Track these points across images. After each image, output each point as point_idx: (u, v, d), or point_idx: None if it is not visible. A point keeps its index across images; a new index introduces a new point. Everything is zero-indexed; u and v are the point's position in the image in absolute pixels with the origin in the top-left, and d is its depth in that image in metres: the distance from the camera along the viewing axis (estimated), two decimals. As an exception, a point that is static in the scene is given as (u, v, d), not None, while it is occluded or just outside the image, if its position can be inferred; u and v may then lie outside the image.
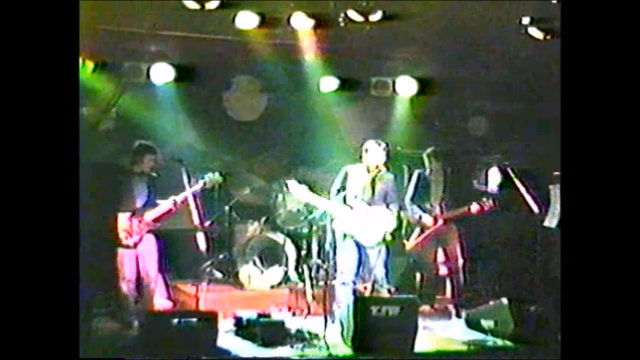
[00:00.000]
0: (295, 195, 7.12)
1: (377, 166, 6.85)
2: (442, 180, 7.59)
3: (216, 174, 6.95)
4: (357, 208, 6.75)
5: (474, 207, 7.38)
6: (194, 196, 6.77)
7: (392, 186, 6.95)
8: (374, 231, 6.73)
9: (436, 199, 7.54)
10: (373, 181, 6.83)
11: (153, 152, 6.76)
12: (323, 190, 7.34)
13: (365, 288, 6.81)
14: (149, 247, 6.65)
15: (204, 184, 6.89)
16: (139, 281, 6.59)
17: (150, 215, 6.66)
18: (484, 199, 7.44)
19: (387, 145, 6.92)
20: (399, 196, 7.22)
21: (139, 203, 6.68)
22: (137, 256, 6.61)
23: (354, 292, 6.63)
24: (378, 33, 6.95)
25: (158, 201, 6.73)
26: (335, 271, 6.72)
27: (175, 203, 6.71)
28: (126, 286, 6.56)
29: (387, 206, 6.81)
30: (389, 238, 6.75)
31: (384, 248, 6.76)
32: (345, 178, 6.86)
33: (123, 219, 6.59)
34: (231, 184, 8.28)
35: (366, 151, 6.87)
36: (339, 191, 6.80)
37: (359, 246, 6.75)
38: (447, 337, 6.45)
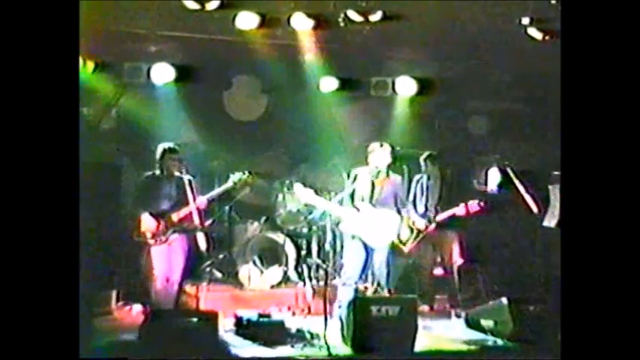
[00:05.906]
0: (301, 198, 7.12)
1: (382, 168, 6.84)
2: (439, 184, 7.61)
3: (246, 174, 6.96)
4: (364, 210, 6.75)
5: (461, 210, 7.35)
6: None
7: (400, 188, 6.98)
8: (381, 233, 6.73)
9: (432, 203, 7.54)
10: (379, 183, 6.81)
11: (175, 153, 6.73)
12: (323, 190, 7.34)
13: (366, 288, 6.81)
14: (177, 248, 6.66)
15: (234, 183, 6.91)
16: (165, 280, 6.61)
17: (176, 216, 6.64)
18: (470, 202, 7.38)
19: (392, 147, 6.93)
20: (407, 198, 7.25)
21: (166, 205, 6.67)
22: (165, 256, 6.61)
23: (355, 291, 6.63)
24: (378, 33, 6.96)
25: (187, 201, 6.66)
26: (335, 270, 6.73)
27: (208, 202, 6.79)
28: (154, 285, 6.61)
29: (397, 208, 6.81)
30: (397, 240, 6.75)
31: (388, 250, 6.77)
32: (355, 180, 6.87)
33: (149, 220, 6.58)
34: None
35: (371, 152, 6.89)
36: (351, 195, 6.80)
37: (366, 247, 6.75)
38: (447, 337, 6.44)
